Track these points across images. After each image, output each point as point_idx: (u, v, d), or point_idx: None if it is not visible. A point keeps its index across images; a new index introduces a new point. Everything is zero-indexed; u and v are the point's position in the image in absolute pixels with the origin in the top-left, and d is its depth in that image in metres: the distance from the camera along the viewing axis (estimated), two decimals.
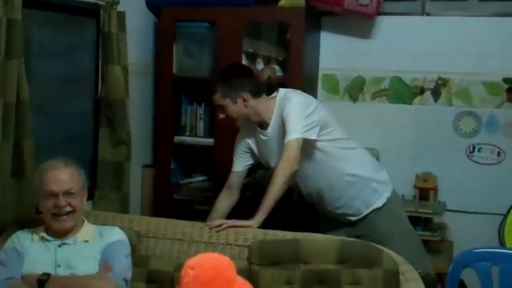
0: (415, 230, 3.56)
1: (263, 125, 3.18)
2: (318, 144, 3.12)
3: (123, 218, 3.06)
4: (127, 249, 2.66)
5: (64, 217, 2.56)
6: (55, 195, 2.53)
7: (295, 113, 3.03)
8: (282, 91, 3.20)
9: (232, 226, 2.95)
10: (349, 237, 2.96)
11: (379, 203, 3.25)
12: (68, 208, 2.56)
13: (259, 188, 4.13)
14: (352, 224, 3.28)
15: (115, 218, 3.04)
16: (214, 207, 3.33)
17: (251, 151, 3.32)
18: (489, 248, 3.03)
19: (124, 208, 3.83)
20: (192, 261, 2.11)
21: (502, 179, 4.07)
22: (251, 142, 3.30)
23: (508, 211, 4.00)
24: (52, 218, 2.57)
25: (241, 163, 3.35)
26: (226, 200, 3.33)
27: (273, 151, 3.17)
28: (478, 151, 4.12)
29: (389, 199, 3.27)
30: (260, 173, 4.22)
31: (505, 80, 4.05)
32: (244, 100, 3.11)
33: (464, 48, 4.09)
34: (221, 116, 3.18)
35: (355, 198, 3.23)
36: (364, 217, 3.26)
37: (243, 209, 3.19)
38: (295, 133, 2.98)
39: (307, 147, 3.08)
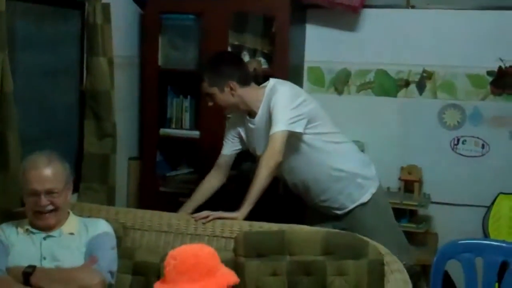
0: (399, 224, 3.59)
1: (251, 114, 3.18)
2: (305, 137, 3.12)
3: (108, 210, 3.05)
4: (113, 241, 2.65)
5: (46, 215, 2.54)
6: (37, 194, 2.50)
7: (281, 104, 3.02)
8: (272, 81, 3.20)
9: (218, 218, 2.95)
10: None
11: (364, 198, 3.25)
12: (50, 207, 2.53)
13: (245, 180, 4.15)
14: (338, 217, 3.29)
15: (100, 210, 3.03)
16: (196, 189, 3.35)
17: (240, 137, 3.32)
18: (473, 240, 3.05)
19: (110, 200, 3.80)
20: (174, 251, 2.12)
21: (486, 171, 4.11)
22: (240, 128, 3.30)
23: (492, 203, 4.06)
24: (34, 215, 2.55)
25: (229, 147, 3.36)
26: (209, 182, 3.35)
27: (260, 141, 3.17)
28: (463, 143, 4.15)
29: (374, 195, 3.27)
30: (246, 164, 4.22)
31: (489, 73, 4.08)
32: (231, 88, 3.10)
33: (448, 41, 4.11)
34: (210, 104, 3.18)
35: (341, 192, 3.24)
36: (349, 211, 3.27)
37: (229, 201, 3.18)
38: (280, 125, 2.98)
39: (293, 140, 3.08)
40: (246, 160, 4.10)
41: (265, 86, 3.19)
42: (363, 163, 3.35)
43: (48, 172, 2.53)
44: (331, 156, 3.22)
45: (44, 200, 2.51)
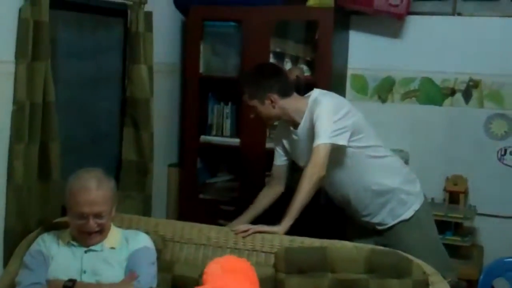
0: (444, 236, 3.50)
1: (295, 125, 3.13)
2: (348, 150, 3.05)
3: (148, 222, 3.03)
4: (153, 256, 2.64)
5: (93, 235, 2.54)
6: (85, 217, 2.49)
7: (325, 116, 2.96)
8: (315, 92, 3.14)
9: (258, 231, 2.91)
10: (377, 245, 2.91)
11: (406, 215, 3.17)
12: (97, 228, 2.53)
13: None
14: (379, 232, 3.22)
15: (140, 221, 3.01)
16: (254, 202, 3.31)
17: (285, 148, 3.28)
18: None
19: (146, 208, 3.82)
20: (217, 259, 2.13)
21: None
22: (284, 139, 3.26)
23: None
24: (79, 234, 2.55)
25: (279, 157, 3.31)
26: (265, 194, 3.32)
27: (302, 153, 3.12)
28: (510, 154, 4.04)
29: (417, 212, 3.18)
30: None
31: None
32: (272, 101, 3.06)
33: (495, 49, 4.02)
34: (252, 116, 3.15)
35: (382, 208, 3.17)
36: (390, 228, 3.19)
37: (272, 213, 3.16)
38: (323, 138, 2.92)
39: (336, 153, 3.01)
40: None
41: (308, 97, 3.14)
42: (407, 178, 3.25)
43: (98, 195, 2.51)
44: (374, 170, 3.14)
45: (92, 223, 2.50)
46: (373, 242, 3.04)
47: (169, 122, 4.38)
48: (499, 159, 4.05)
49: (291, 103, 3.11)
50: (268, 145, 4.09)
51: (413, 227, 3.16)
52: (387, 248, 2.81)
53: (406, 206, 3.17)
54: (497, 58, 4.02)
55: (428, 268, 2.62)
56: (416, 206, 3.18)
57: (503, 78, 4.02)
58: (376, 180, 3.13)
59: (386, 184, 3.14)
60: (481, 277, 2.82)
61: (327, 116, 2.96)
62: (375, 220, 3.19)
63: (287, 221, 2.91)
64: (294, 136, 3.15)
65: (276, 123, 3.32)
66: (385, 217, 3.18)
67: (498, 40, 4.02)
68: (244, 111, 4.08)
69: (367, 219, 3.21)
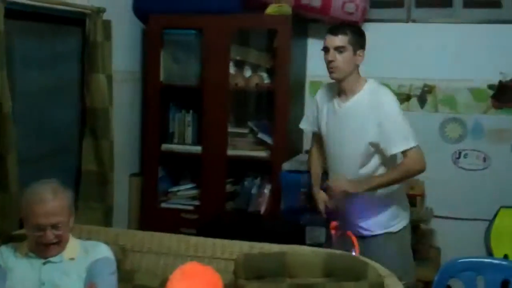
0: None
1: (345, 94, 3.13)
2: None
3: (108, 232, 3.03)
4: (113, 266, 2.64)
5: (51, 247, 2.51)
6: (42, 228, 2.46)
7: (400, 118, 3.05)
8: (370, 80, 3.16)
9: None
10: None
11: (394, 228, 3.20)
12: (55, 240, 2.50)
13: (247, 197, 4.17)
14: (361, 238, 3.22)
15: (100, 232, 3.01)
16: (313, 172, 3.39)
17: (314, 118, 3.32)
18: (474, 258, 3.03)
19: (108, 219, 3.81)
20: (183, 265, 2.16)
21: (487, 185, 4.11)
22: (324, 105, 3.24)
23: (494, 217, 4.04)
24: (37, 246, 2.52)
25: (306, 123, 3.41)
26: (319, 157, 3.40)
27: (343, 128, 3.12)
28: (464, 157, 4.15)
29: (404, 228, 3.24)
30: (249, 180, 4.23)
31: (490, 86, 4.09)
32: (359, 57, 3.09)
33: (449, 55, 4.13)
34: (330, 58, 3.05)
35: (378, 214, 3.18)
36: (374, 236, 3.21)
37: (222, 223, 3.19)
38: (411, 142, 3.01)
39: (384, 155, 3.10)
40: (249, 176, 4.14)
41: (364, 78, 3.17)
42: (404, 193, 3.34)
43: (54, 206, 2.47)
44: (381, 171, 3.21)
45: (49, 234, 2.47)
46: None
47: (130, 131, 4.38)
48: (454, 162, 4.15)
49: (358, 73, 3.14)
50: (230, 152, 4.13)
51: (396, 241, 3.21)
52: (343, 252, 2.86)
53: (397, 220, 3.22)
54: (451, 64, 4.13)
55: (383, 271, 2.67)
56: (404, 223, 3.24)
57: (456, 83, 4.12)
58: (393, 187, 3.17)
59: (393, 191, 3.18)
60: (436, 277, 2.87)
61: (402, 118, 3.06)
62: (365, 224, 3.20)
63: (364, 185, 3.05)
64: (338, 107, 3.16)
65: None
66: (375, 225, 3.19)
67: (452, 46, 4.13)
68: (206, 119, 4.13)
69: (358, 221, 3.21)
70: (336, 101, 3.17)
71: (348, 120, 3.10)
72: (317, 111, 3.30)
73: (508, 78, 4.05)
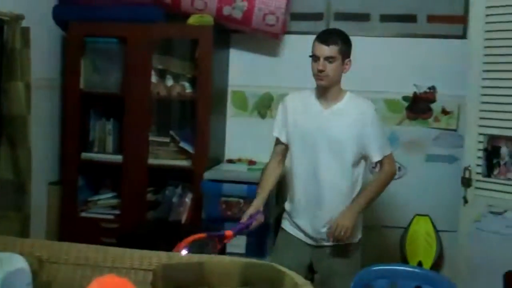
0: None
1: (326, 101, 3.20)
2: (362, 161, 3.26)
3: (24, 243, 2.96)
4: (28, 278, 2.60)
5: None
6: None
7: (381, 127, 3.24)
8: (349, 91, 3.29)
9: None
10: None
11: (355, 239, 3.27)
12: None
13: (168, 206, 4.18)
14: (319, 247, 3.27)
15: (15, 243, 2.94)
16: (259, 190, 3.33)
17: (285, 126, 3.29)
18: (387, 266, 3.13)
19: (24, 229, 3.75)
20: (101, 278, 2.14)
21: (403, 193, 4.24)
22: (297, 112, 3.25)
23: (409, 224, 4.18)
24: None
25: (283, 134, 3.32)
26: (275, 171, 3.36)
27: (330, 127, 3.16)
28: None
29: (360, 240, 3.32)
30: (170, 189, 4.24)
31: (405, 98, 4.24)
32: (346, 66, 3.19)
33: (366, 66, 4.18)
34: (321, 67, 3.10)
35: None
36: (334, 245, 3.24)
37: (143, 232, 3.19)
38: (388, 148, 3.25)
39: (360, 159, 3.22)
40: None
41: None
42: None
43: None
44: (358, 184, 3.26)
45: None
46: (309, 258, 3.24)
47: (49, 139, 4.32)
48: (371, 171, 4.22)
49: (340, 82, 3.23)
50: (151, 161, 4.13)
51: (354, 253, 3.29)
52: (261, 261, 2.91)
53: (358, 232, 3.30)
54: (367, 76, 4.19)
55: (299, 279, 2.73)
56: (360, 235, 3.32)
57: (373, 95, 4.14)
58: (354, 191, 3.24)
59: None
60: (351, 285, 2.95)
61: (382, 127, 3.27)
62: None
63: (363, 202, 3.18)
64: (325, 110, 3.20)
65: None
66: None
67: (369, 58, 4.20)
68: (127, 128, 4.12)
69: (323, 229, 3.21)
70: (317, 105, 3.22)
71: (336, 121, 3.16)
72: (285, 116, 3.29)
73: (422, 90, 4.21)
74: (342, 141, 3.14)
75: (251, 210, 3.25)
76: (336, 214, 3.16)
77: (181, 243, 3.03)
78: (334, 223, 3.14)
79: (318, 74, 3.12)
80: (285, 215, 3.38)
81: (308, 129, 3.18)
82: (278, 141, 3.35)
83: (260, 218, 3.27)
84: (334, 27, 3.46)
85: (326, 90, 3.18)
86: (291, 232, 3.32)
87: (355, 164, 3.20)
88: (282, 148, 3.35)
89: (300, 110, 3.24)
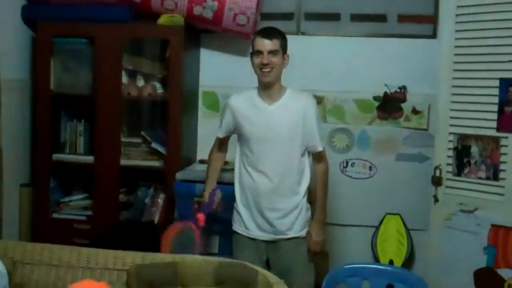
0: None
1: (270, 98, 3.26)
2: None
3: None
4: (4, 279, 2.59)
5: None
6: None
7: (318, 122, 3.35)
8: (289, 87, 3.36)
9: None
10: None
11: (303, 232, 3.33)
12: None
13: (141, 207, 4.17)
14: (272, 243, 3.32)
15: None
16: (209, 174, 3.50)
17: (235, 123, 3.34)
18: (359, 264, 3.17)
19: None
20: (74, 285, 2.13)
21: (374, 192, 4.28)
22: (242, 114, 3.30)
23: (380, 223, 4.21)
24: None
25: (224, 132, 3.43)
26: (218, 163, 3.53)
27: (281, 122, 3.23)
28: (351, 166, 4.30)
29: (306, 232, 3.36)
30: (142, 190, 4.23)
31: (375, 98, 4.27)
32: (285, 60, 3.28)
33: (337, 66, 4.28)
34: (266, 61, 3.18)
35: (294, 210, 3.30)
36: (286, 240, 3.30)
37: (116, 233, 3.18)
38: (321, 143, 3.34)
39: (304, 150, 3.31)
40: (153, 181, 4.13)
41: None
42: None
43: None
44: (305, 174, 3.34)
45: None
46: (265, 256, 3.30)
47: (20, 140, 4.28)
48: (342, 171, 4.30)
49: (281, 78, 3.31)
50: (123, 162, 4.11)
51: (303, 246, 3.32)
52: (234, 260, 2.93)
53: (307, 223, 3.35)
54: (339, 76, 4.27)
55: (272, 278, 2.75)
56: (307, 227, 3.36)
57: (344, 95, 4.27)
58: (302, 185, 3.32)
59: (302, 190, 3.32)
60: (324, 283, 2.97)
61: (320, 121, 3.42)
62: (283, 222, 3.28)
63: (322, 213, 3.33)
64: (266, 107, 3.27)
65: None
66: (291, 225, 3.29)
67: (339, 58, 4.28)
68: (98, 129, 4.10)
69: (278, 220, 3.27)
70: (260, 103, 3.28)
71: (280, 119, 3.23)
72: (233, 116, 3.35)
73: (392, 90, 4.25)
74: (289, 134, 3.24)
75: (207, 190, 3.41)
76: (287, 205, 3.27)
77: (164, 243, 3.09)
78: (312, 242, 3.31)
79: (263, 69, 3.20)
80: (235, 216, 3.41)
81: (256, 125, 3.26)
82: (220, 139, 3.49)
83: (219, 194, 3.41)
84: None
85: (269, 86, 3.26)
86: (244, 234, 3.35)
87: (303, 155, 3.30)
88: (221, 141, 3.49)
89: (245, 108, 3.31)
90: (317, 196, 3.34)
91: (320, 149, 3.32)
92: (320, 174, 3.35)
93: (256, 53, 3.20)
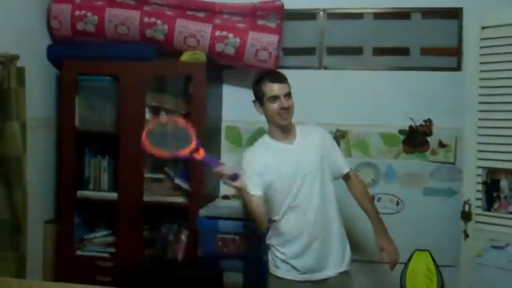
0: None
1: (287, 139, 3.27)
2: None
3: (21, 284, 2.96)
4: None
5: None
6: None
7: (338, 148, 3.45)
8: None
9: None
10: None
11: (347, 265, 3.35)
12: None
13: (164, 243, 4.14)
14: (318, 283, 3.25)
15: (12, 284, 2.94)
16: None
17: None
18: None
19: (20, 269, 3.70)
20: None
21: (401, 228, 4.14)
22: (266, 161, 3.21)
23: (409, 260, 4.13)
24: None
25: (260, 187, 3.19)
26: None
27: (310, 157, 3.23)
28: (378, 200, 4.22)
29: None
30: (166, 226, 4.20)
31: (401, 131, 4.21)
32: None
33: (360, 100, 4.24)
34: (286, 105, 3.20)
35: (344, 246, 3.34)
36: (337, 275, 3.28)
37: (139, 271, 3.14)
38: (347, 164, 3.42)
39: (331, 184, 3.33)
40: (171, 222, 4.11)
41: None
42: None
43: None
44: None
45: None
46: None
47: (45, 177, 4.30)
48: None
49: None
50: (146, 198, 4.10)
51: (348, 282, 3.34)
52: None
53: (349, 257, 3.36)
54: (362, 109, 4.23)
55: None
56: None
57: (368, 128, 4.23)
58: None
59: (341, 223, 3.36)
60: None
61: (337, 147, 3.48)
62: (334, 259, 3.28)
63: (381, 224, 3.43)
64: (289, 145, 3.27)
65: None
66: (340, 260, 3.30)
67: (363, 92, 4.24)
68: (122, 164, 4.10)
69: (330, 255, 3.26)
70: (280, 145, 3.26)
71: (305, 152, 3.23)
72: (257, 172, 3.19)
73: (417, 123, 4.19)
74: (317, 168, 3.22)
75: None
76: (334, 238, 3.25)
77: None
78: (388, 253, 3.40)
79: (282, 113, 3.20)
80: (278, 263, 3.29)
81: (284, 171, 3.19)
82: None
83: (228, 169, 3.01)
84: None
85: (286, 129, 3.26)
86: (291, 278, 3.25)
87: (332, 185, 3.32)
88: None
89: (266, 159, 3.23)
90: (367, 209, 3.41)
91: (346, 170, 3.37)
92: (361, 189, 3.44)
93: (270, 99, 3.19)
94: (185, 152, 2.97)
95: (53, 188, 4.39)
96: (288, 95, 3.21)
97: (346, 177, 3.41)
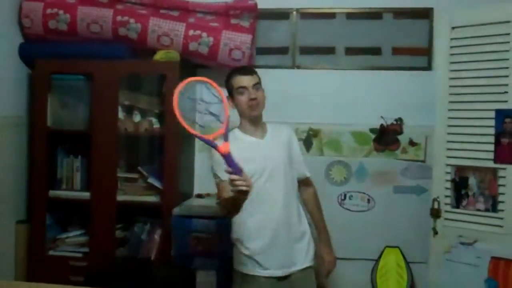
0: None
1: (257, 132, 3.30)
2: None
3: None
4: None
5: None
6: None
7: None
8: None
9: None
10: None
11: (313, 261, 3.38)
12: None
13: (137, 243, 4.14)
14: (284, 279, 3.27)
15: None
16: None
17: None
18: None
19: None
20: None
21: (372, 225, 4.25)
22: (235, 150, 2.87)
23: (379, 256, 4.18)
24: None
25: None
26: None
27: (276, 152, 3.27)
28: (349, 198, 4.28)
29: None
30: (139, 226, 4.20)
31: (372, 130, 4.26)
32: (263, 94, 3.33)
33: (333, 99, 4.28)
34: (254, 95, 3.22)
35: (308, 242, 3.35)
36: (300, 271, 3.29)
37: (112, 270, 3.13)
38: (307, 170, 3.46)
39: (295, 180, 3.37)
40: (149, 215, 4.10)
41: None
42: None
43: None
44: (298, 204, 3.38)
45: None
46: None
47: (16, 177, 4.26)
48: (340, 204, 4.28)
49: None
50: (119, 197, 4.10)
51: (312, 277, 3.38)
52: None
53: (313, 251, 3.38)
54: (335, 108, 4.27)
55: None
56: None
57: (340, 127, 4.28)
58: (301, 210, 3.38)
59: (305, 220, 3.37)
60: None
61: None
62: (298, 254, 3.29)
63: (326, 234, 3.48)
64: (259, 139, 3.30)
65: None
66: (304, 255, 3.31)
67: (335, 91, 4.28)
68: (95, 164, 4.09)
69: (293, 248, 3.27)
70: (250, 139, 3.28)
71: (275, 148, 3.28)
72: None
73: (388, 122, 4.25)
74: (285, 164, 3.27)
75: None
76: (299, 233, 3.28)
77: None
78: (327, 262, 3.47)
79: (251, 104, 3.23)
80: (243, 259, 3.28)
81: (252, 164, 3.10)
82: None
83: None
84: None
85: (256, 121, 3.31)
86: (257, 274, 3.24)
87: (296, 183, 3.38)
88: None
89: (234, 152, 3.02)
90: (315, 219, 3.46)
91: (308, 174, 3.45)
92: (313, 197, 3.50)
93: (239, 90, 3.23)
94: (210, 137, 2.62)
95: (25, 188, 4.34)
96: (257, 86, 3.24)
97: (304, 182, 3.45)
